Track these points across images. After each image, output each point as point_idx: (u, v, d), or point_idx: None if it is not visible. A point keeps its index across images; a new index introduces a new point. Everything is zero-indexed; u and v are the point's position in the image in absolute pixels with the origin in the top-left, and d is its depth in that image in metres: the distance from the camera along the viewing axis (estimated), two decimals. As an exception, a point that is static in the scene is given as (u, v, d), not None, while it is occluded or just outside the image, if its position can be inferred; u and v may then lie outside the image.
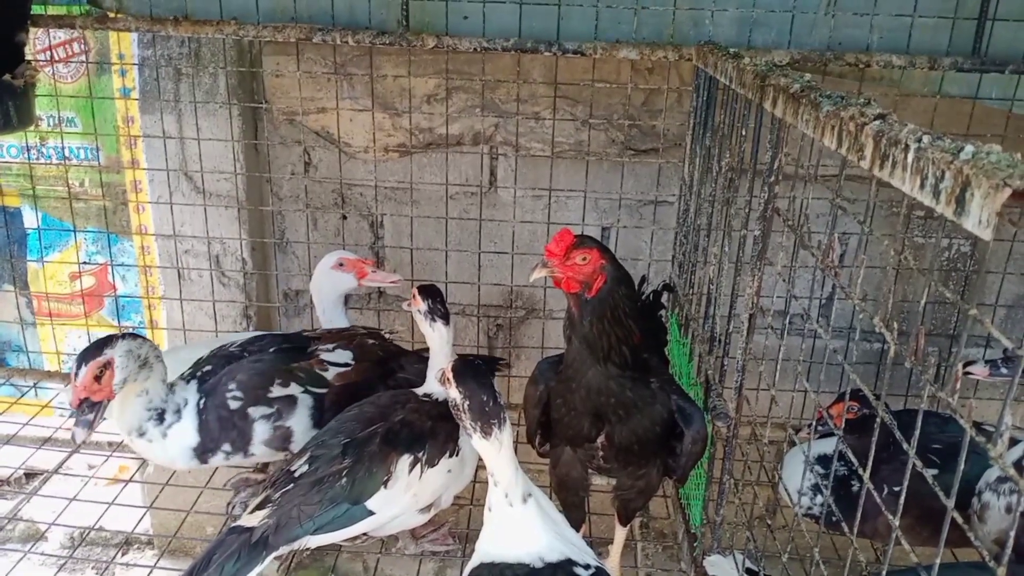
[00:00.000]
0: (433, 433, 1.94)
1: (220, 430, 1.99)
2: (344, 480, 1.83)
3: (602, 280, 1.66)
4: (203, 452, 2.00)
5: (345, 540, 1.95)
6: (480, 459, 1.54)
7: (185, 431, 1.97)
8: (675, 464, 1.85)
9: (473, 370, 1.46)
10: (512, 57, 2.67)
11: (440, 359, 2.08)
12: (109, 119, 2.92)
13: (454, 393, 1.45)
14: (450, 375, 1.47)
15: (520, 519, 1.46)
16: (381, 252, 3.05)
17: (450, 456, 1.96)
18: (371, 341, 2.26)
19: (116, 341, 1.81)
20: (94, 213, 3.06)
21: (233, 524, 1.82)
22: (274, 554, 1.77)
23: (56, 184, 3.02)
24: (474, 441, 1.45)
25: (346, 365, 2.15)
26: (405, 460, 1.88)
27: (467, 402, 1.43)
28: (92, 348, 1.80)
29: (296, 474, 1.85)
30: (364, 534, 1.95)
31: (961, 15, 2.56)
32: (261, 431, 2.02)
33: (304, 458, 1.89)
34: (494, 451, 1.43)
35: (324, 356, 2.15)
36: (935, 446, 2.07)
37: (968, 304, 0.89)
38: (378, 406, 2.01)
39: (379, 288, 2.98)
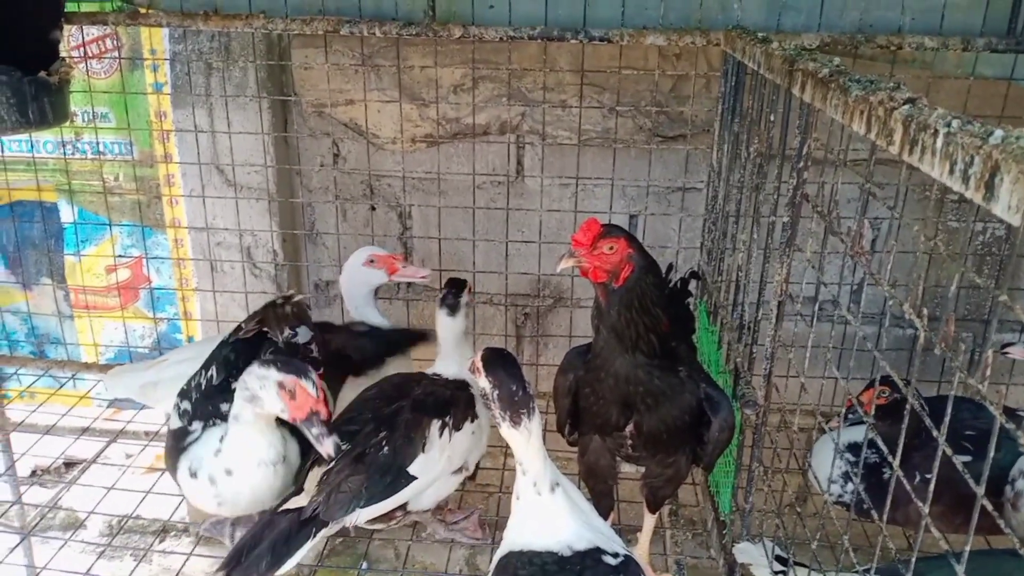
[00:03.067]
0: (454, 401, 2.06)
1: None
2: (386, 449, 1.89)
3: (629, 269, 1.65)
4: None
5: (382, 521, 1.98)
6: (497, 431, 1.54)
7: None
8: (703, 452, 1.85)
9: (503, 360, 1.47)
10: (538, 45, 2.66)
11: (443, 346, 2.21)
12: (142, 114, 2.96)
13: (483, 383, 1.45)
14: (479, 364, 1.47)
15: (548, 508, 1.46)
16: (409, 243, 3.07)
17: (471, 421, 2.08)
18: (289, 308, 2.14)
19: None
20: (128, 207, 3.11)
21: (280, 508, 1.83)
22: (325, 531, 1.80)
23: (91, 179, 3.07)
24: (503, 430, 1.45)
25: (313, 339, 2.12)
26: (436, 424, 1.98)
27: (496, 391, 1.43)
28: (298, 363, 1.75)
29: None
30: (402, 510, 1.99)
31: (995, -6, 2.51)
32: None
33: (334, 436, 1.91)
34: (523, 440, 1.43)
35: (300, 341, 2.08)
36: (968, 432, 2.04)
37: (1000, 289, 0.88)
38: (394, 385, 2.11)
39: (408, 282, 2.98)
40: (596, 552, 1.43)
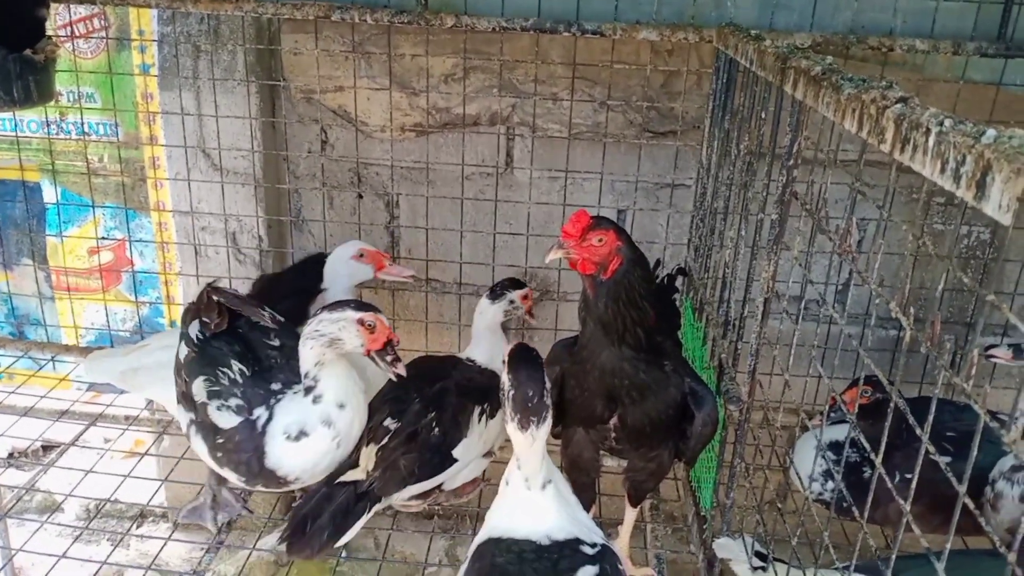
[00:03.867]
0: (492, 390, 2.08)
1: None
2: (437, 431, 1.99)
3: (618, 262, 1.66)
4: None
5: (418, 499, 2.07)
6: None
7: None
8: (684, 446, 1.85)
9: (528, 362, 1.43)
10: (531, 37, 2.65)
11: (476, 332, 2.30)
12: (128, 95, 2.93)
13: (504, 378, 1.43)
14: (505, 358, 1.46)
15: (536, 503, 1.46)
16: (396, 232, 3.06)
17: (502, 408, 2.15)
18: (232, 292, 2.13)
19: None
20: (112, 189, 3.08)
21: (337, 480, 1.92)
22: (378, 506, 1.91)
23: (75, 159, 3.04)
24: (509, 428, 1.43)
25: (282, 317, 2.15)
26: (476, 411, 2.08)
27: (512, 391, 1.41)
28: (363, 301, 1.91)
29: (390, 428, 1.98)
30: (439, 489, 2.09)
31: (987, -1, 2.52)
32: None
33: (385, 414, 2.00)
34: (527, 444, 1.42)
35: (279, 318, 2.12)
36: (949, 434, 2.06)
37: (987, 290, 0.88)
38: (431, 366, 2.22)
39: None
40: (574, 542, 1.43)
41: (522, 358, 1.44)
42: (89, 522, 2.73)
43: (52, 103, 2.66)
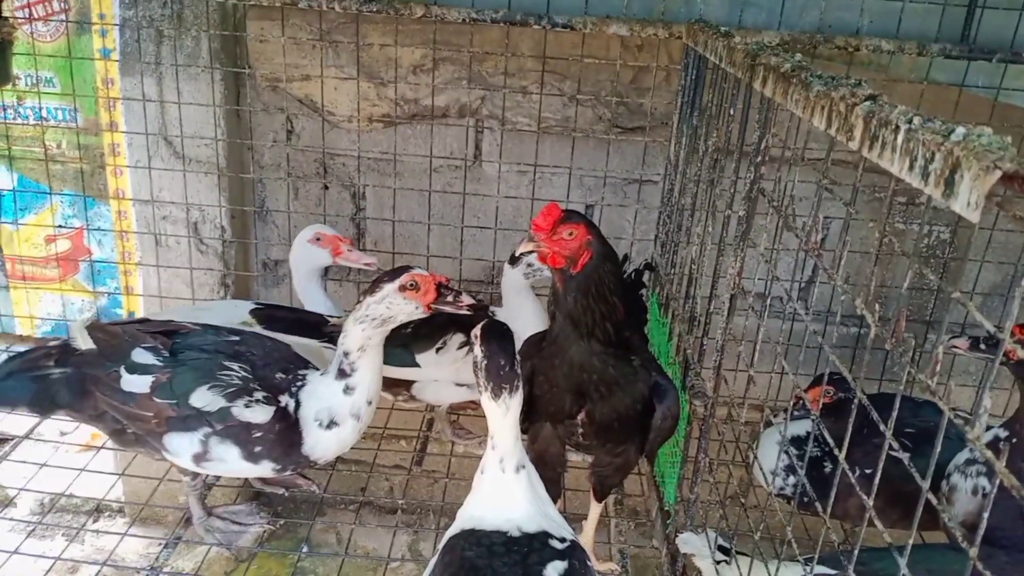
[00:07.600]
0: None
1: None
2: (408, 329, 2.18)
3: (588, 256, 1.65)
4: None
5: (392, 391, 2.35)
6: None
7: None
8: (644, 440, 1.86)
9: (500, 334, 1.50)
10: (501, 29, 2.64)
11: (504, 298, 2.41)
12: (88, 80, 2.86)
13: (477, 351, 1.49)
14: (477, 332, 1.50)
15: (509, 486, 1.49)
16: (362, 224, 3.03)
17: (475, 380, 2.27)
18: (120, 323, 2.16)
19: None
20: (71, 176, 3.01)
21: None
22: (328, 347, 2.16)
23: (33, 145, 2.96)
24: (483, 400, 1.48)
25: None
26: (458, 338, 2.26)
27: (486, 361, 1.46)
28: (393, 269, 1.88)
29: None
30: (407, 390, 2.35)
31: (951, 1, 2.56)
32: None
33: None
34: (500, 414, 1.47)
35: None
36: (908, 430, 2.09)
37: (953, 288, 0.89)
38: None
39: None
40: (544, 535, 1.45)
41: (493, 331, 1.49)
42: (43, 517, 2.66)
43: (9, 87, 2.59)
